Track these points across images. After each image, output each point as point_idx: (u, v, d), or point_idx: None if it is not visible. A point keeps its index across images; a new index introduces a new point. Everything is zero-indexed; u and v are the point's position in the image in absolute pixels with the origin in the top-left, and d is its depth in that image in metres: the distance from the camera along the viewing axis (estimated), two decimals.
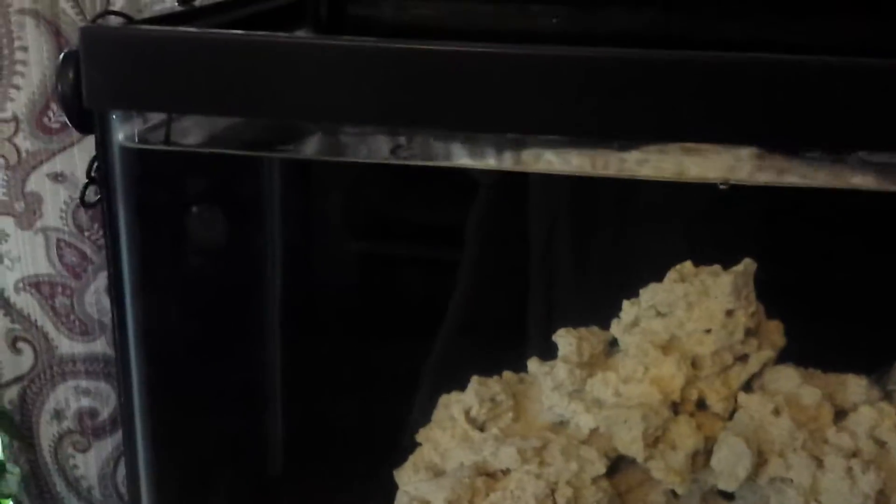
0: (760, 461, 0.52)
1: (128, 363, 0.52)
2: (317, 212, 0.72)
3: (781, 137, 0.46)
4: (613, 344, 0.58)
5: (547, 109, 0.45)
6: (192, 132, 0.49)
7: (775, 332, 0.55)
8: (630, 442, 0.52)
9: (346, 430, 0.72)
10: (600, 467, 0.53)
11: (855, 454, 0.52)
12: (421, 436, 0.60)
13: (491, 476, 0.56)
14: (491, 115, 0.45)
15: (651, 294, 0.55)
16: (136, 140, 0.47)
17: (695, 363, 0.54)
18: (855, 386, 0.54)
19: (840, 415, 0.54)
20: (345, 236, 0.74)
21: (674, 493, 0.56)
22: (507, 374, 0.60)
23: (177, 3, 0.51)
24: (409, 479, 0.58)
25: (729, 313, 0.53)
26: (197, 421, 0.62)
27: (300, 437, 0.73)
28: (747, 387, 0.55)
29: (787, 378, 0.54)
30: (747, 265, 0.54)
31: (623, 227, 0.74)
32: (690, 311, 0.54)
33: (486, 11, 0.69)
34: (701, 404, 0.55)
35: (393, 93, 0.41)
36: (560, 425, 0.58)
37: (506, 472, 0.55)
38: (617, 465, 0.56)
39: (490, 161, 0.52)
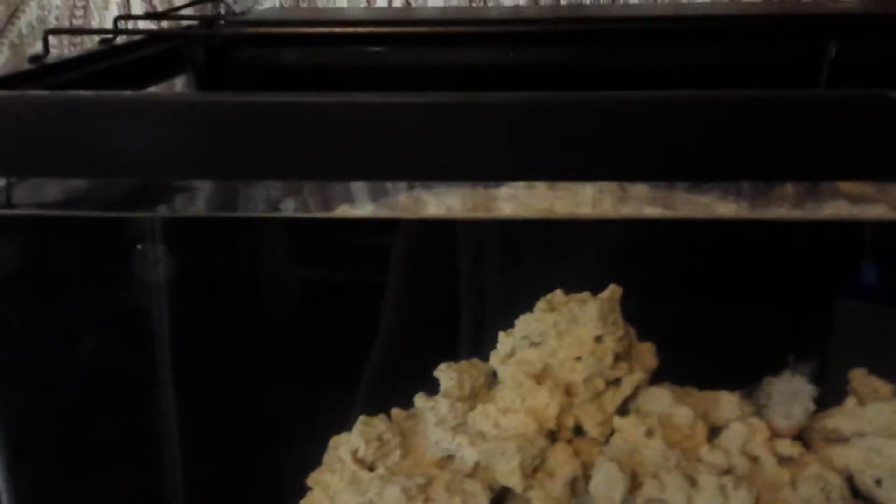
0: (636, 484, 0.52)
1: None
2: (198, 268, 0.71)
3: (646, 171, 0.47)
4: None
5: (407, 154, 0.45)
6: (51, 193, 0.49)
7: (647, 354, 0.56)
8: (509, 473, 0.53)
9: (245, 482, 0.71)
10: (483, 500, 0.54)
11: (728, 471, 0.53)
12: (311, 479, 0.59)
13: None
14: (344, 163, 0.45)
15: (524, 324, 0.56)
16: None
17: (569, 390, 0.55)
18: (727, 403, 0.55)
19: (716, 432, 0.55)
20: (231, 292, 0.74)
21: None
22: (395, 411, 0.61)
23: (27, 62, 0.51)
24: None
25: (598, 339, 0.54)
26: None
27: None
28: (624, 410, 0.56)
29: (660, 399, 0.55)
30: (613, 291, 0.55)
31: (521, 262, 0.75)
32: (561, 340, 0.54)
33: (360, 54, 0.70)
34: (580, 431, 0.56)
35: (229, 145, 0.41)
36: (448, 460, 0.58)
37: None
38: (504, 495, 0.56)
39: (367, 208, 0.52)
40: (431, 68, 0.73)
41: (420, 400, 0.59)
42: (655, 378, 0.58)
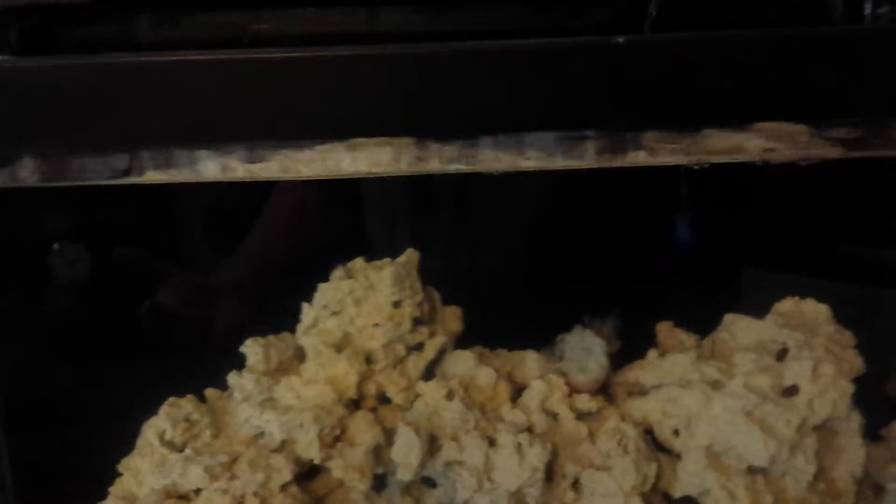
0: (437, 447, 0.52)
1: None
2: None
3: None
4: None
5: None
6: None
7: (452, 318, 0.56)
8: (307, 444, 0.52)
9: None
10: (286, 474, 0.53)
11: (528, 429, 0.53)
12: (122, 465, 0.58)
13: (185, 499, 0.54)
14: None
15: (323, 293, 0.55)
16: None
17: (369, 358, 0.54)
18: (531, 361, 0.55)
19: (522, 391, 0.55)
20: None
21: (376, 487, 0.56)
22: (209, 391, 0.59)
23: None
24: None
25: (396, 305, 0.53)
26: None
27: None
28: (431, 375, 0.55)
29: (464, 362, 0.55)
30: (409, 255, 0.54)
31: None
32: (359, 307, 0.54)
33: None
34: (387, 399, 0.55)
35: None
36: (259, 437, 0.57)
37: (198, 492, 0.54)
38: (315, 469, 0.56)
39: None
40: None
41: (232, 377, 0.58)
42: (479, 342, 0.57)
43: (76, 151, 0.50)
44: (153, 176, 0.49)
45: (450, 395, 0.53)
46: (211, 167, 0.50)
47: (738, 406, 0.51)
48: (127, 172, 0.48)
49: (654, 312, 0.60)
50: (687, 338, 0.57)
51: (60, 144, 0.49)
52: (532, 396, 0.53)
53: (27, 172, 0.51)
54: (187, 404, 0.57)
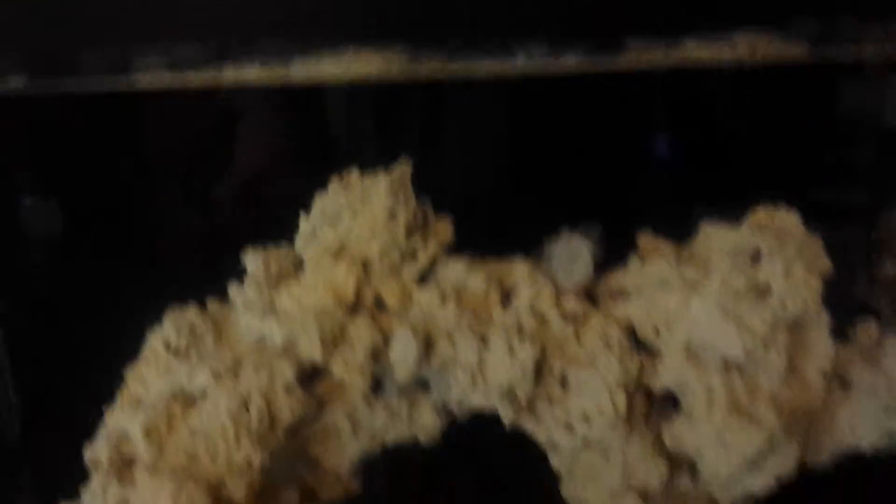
0: (432, 349, 0.55)
1: None
2: None
3: None
4: None
5: None
6: None
7: (442, 229, 0.58)
8: (310, 346, 0.55)
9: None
10: (289, 375, 0.56)
11: (518, 329, 0.56)
12: (129, 374, 0.60)
13: (191, 401, 0.57)
14: None
15: (320, 205, 0.57)
16: None
17: (366, 266, 0.56)
18: (520, 268, 0.58)
19: (511, 296, 0.58)
20: None
21: (373, 388, 0.59)
22: (210, 301, 0.62)
23: None
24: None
25: (390, 214, 0.56)
26: None
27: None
28: (424, 283, 0.58)
29: (456, 269, 0.57)
30: (402, 168, 0.56)
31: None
32: (355, 218, 0.56)
33: None
34: (384, 307, 0.58)
35: None
36: (260, 343, 0.59)
37: (204, 395, 0.57)
38: (316, 374, 0.58)
39: None
40: None
41: (232, 289, 0.60)
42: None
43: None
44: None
45: (444, 300, 0.56)
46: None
47: (714, 304, 0.54)
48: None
49: (636, 224, 0.62)
50: (666, 246, 0.60)
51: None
52: (521, 299, 0.56)
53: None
54: (191, 313, 0.59)
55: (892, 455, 0.58)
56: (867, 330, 0.59)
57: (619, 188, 0.68)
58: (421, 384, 0.59)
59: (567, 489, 0.59)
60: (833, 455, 0.58)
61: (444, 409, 0.59)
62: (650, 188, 0.69)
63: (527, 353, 0.54)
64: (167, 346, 0.59)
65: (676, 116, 0.67)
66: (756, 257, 0.56)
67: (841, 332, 0.58)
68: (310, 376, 0.58)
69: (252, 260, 0.58)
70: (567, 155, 0.67)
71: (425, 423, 0.59)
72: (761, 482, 0.56)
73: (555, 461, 0.59)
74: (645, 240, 0.60)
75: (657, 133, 0.68)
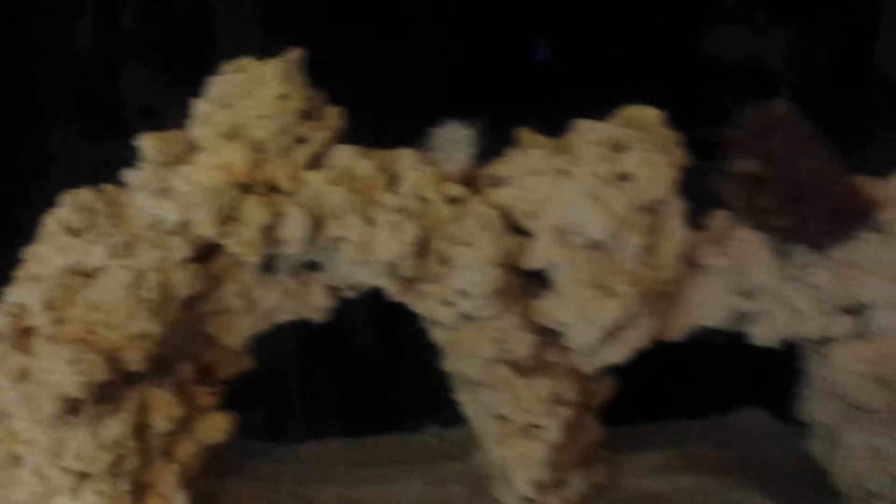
0: (322, 227, 0.59)
1: None
2: None
3: None
4: None
5: None
6: None
7: (334, 117, 0.61)
8: (204, 222, 0.58)
9: None
10: (184, 251, 0.59)
11: (402, 210, 0.60)
12: (26, 254, 0.62)
13: (88, 275, 0.59)
14: None
15: (214, 87, 0.59)
16: None
17: (259, 147, 0.59)
18: (406, 156, 0.62)
19: (397, 181, 0.62)
20: None
21: (266, 268, 0.62)
22: (108, 186, 0.63)
23: None
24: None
25: (283, 98, 0.59)
26: None
27: None
28: (315, 167, 0.61)
29: (345, 155, 0.61)
30: (294, 54, 0.59)
31: None
32: (249, 100, 0.59)
33: None
34: (276, 190, 0.61)
35: None
36: (157, 223, 0.62)
37: (101, 270, 0.59)
38: (211, 252, 0.61)
39: None
40: None
41: (129, 173, 0.62)
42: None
43: None
44: None
45: (334, 182, 0.59)
46: None
47: (582, 189, 0.59)
48: None
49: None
50: (544, 139, 0.65)
51: None
52: (406, 183, 0.60)
53: None
54: (88, 193, 0.61)
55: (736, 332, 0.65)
56: (719, 219, 0.65)
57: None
58: (312, 266, 0.63)
59: (447, 362, 0.64)
60: (684, 331, 0.65)
61: (334, 289, 0.63)
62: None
63: (410, 232, 0.58)
64: (64, 225, 0.61)
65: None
66: (620, 147, 0.61)
67: (696, 221, 0.65)
68: (204, 256, 0.61)
69: (147, 143, 0.60)
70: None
71: (317, 303, 0.63)
72: (619, 353, 0.62)
73: (437, 336, 0.64)
74: (525, 135, 0.65)
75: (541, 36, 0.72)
